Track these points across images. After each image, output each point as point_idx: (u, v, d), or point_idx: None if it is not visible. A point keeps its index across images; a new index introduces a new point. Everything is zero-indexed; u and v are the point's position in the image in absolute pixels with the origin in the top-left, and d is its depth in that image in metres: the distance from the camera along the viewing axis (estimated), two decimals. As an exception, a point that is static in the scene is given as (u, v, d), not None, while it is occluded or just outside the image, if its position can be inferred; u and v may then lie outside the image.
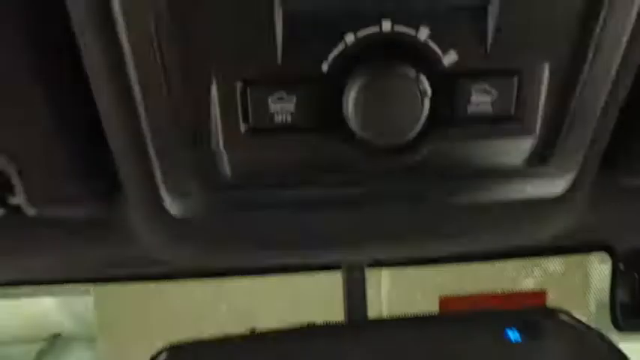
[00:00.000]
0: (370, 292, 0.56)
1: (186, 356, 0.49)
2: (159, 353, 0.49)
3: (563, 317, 0.51)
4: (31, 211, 0.44)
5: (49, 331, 1.24)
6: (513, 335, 0.47)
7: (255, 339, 0.51)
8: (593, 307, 0.73)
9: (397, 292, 0.65)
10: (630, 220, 0.60)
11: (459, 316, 0.53)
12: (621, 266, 0.65)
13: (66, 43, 0.38)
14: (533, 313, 0.52)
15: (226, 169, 0.41)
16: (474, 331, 0.49)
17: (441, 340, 0.48)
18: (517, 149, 0.43)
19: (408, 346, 0.47)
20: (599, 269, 0.73)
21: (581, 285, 0.73)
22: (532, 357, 0.48)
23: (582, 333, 0.49)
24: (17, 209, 0.46)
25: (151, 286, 0.66)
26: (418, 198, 0.46)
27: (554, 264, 0.73)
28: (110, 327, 0.65)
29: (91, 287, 0.68)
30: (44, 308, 1.17)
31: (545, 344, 0.48)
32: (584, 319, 0.53)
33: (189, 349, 0.49)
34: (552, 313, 0.52)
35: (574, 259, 0.72)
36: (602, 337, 0.50)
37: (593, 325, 0.53)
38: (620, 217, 0.59)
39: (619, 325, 0.65)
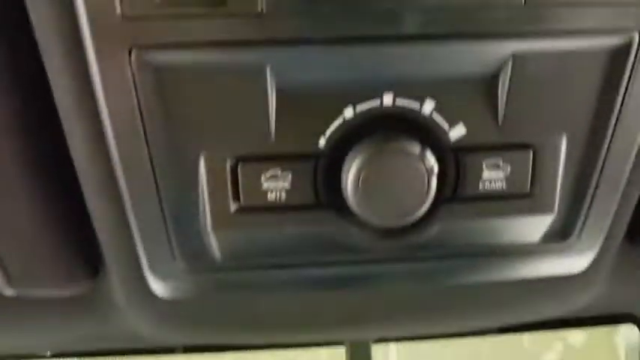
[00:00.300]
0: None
1: None
2: None
3: None
4: (8, 291, 0.41)
5: None
6: None
7: None
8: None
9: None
10: None
11: None
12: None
13: (51, 130, 0.36)
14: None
15: (215, 250, 0.38)
16: None
17: None
18: (534, 227, 0.40)
19: None
20: (627, 339, 0.68)
21: (608, 358, 0.67)
22: None
23: None
24: None
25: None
26: (426, 278, 0.42)
27: (577, 336, 0.68)
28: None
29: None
30: None
31: None
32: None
33: None
34: None
35: (598, 330, 0.67)
36: None
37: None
38: None
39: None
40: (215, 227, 0.37)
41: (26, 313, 0.46)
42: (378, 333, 0.49)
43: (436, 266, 0.41)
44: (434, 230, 0.38)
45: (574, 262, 0.43)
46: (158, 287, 0.40)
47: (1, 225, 0.38)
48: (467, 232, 0.39)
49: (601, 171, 0.38)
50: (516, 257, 0.41)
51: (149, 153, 0.34)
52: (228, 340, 0.50)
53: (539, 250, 0.41)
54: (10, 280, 0.40)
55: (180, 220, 0.37)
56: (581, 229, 0.40)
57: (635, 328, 0.60)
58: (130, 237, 0.38)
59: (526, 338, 0.65)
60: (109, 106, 0.33)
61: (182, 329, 0.45)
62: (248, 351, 0.57)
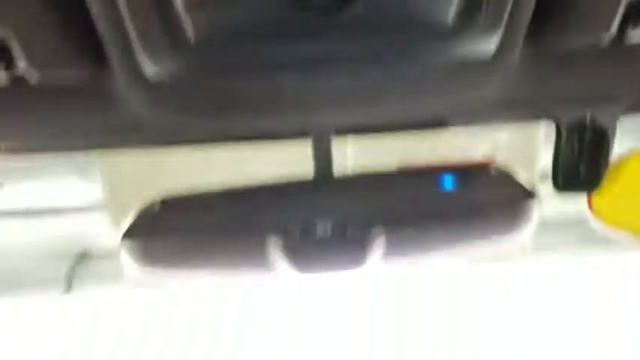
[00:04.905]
0: (336, 165, 0.63)
1: (176, 206, 0.58)
2: (152, 203, 0.58)
3: (496, 170, 0.59)
4: (32, 74, 0.52)
5: (75, 250, 1.32)
6: (447, 184, 0.56)
7: (245, 192, 0.58)
8: (538, 175, 0.82)
9: (361, 164, 0.73)
10: (569, 88, 0.66)
11: (411, 170, 0.60)
12: (564, 133, 0.72)
13: None
14: (471, 168, 0.60)
15: (190, 31, 0.48)
16: (414, 180, 0.57)
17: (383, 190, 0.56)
18: (444, 5, 0.49)
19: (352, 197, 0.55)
20: (547, 135, 0.81)
21: (529, 155, 0.81)
22: (462, 202, 0.56)
23: (503, 177, 0.57)
24: (20, 80, 0.53)
25: (147, 160, 0.76)
26: (367, 60, 0.52)
27: (503, 133, 0.81)
28: (116, 193, 0.75)
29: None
30: (70, 227, 1.25)
31: (475, 192, 0.57)
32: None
33: (180, 200, 0.58)
34: (486, 167, 0.60)
35: (522, 127, 0.80)
36: (519, 183, 0.57)
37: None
38: (559, 85, 0.65)
39: (558, 187, 0.73)
40: (186, 7, 0.46)
41: (44, 104, 0.57)
42: (336, 117, 0.61)
43: (373, 44, 0.51)
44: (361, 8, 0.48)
45: (483, 42, 0.53)
46: (147, 69, 0.51)
47: (21, 13, 0.48)
48: (388, 12, 0.48)
49: None
50: (434, 37, 0.51)
51: None
52: (205, 124, 0.61)
53: (453, 32, 0.51)
54: (31, 62, 0.50)
55: (160, 2, 0.46)
56: (486, 9, 0.50)
57: (554, 125, 0.72)
58: (123, 21, 0.48)
59: (461, 136, 0.78)
60: None
61: (171, 111, 0.57)
62: (237, 146, 0.69)
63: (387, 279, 1.22)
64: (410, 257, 0.57)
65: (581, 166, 0.74)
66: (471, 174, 0.58)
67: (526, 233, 0.55)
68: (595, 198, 0.82)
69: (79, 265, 1.32)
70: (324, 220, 0.55)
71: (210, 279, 0.58)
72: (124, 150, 0.68)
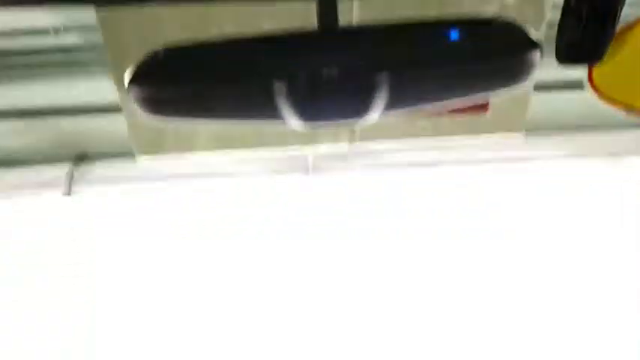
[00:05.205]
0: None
1: (180, 53, 0.57)
2: (156, 51, 0.57)
3: (502, 21, 0.58)
4: None
5: (75, 151, 1.33)
6: (453, 35, 0.55)
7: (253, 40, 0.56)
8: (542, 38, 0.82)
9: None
10: None
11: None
12: (572, 1, 0.71)
13: None
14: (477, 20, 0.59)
15: None
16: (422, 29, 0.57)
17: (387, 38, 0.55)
18: None
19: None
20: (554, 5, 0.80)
21: (534, 18, 0.81)
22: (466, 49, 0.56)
23: (509, 27, 0.56)
24: None
25: (147, 16, 0.74)
26: None
27: None
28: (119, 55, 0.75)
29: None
30: (69, 128, 1.23)
31: (480, 40, 0.57)
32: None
33: (184, 47, 0.57)
34: (494, 19, 0.59)
35: None
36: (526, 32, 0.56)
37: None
38: None
39: (561, 57, 0.73)
40: None
41: None
42: None
43: None
44: None
45: None
46: None
47: None
48: None
49: None
50: None
51: None
52: None
53: None
54: None
55: None
56: None
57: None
58: None
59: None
60: None
61: None
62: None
63: (383, 180, 1.24)
64: (413, 106, 0.58)
65: (586, 37, 0.73)
66: (476, 24, 0.58)
67: (528, 83, 0.56)
68: (595, 70, 0.82)
69: (78, 166, 1.32)
70: (330, 66, 0.55)
71: (217, 125, 0.59)
72: (124, 5, 0.66)
